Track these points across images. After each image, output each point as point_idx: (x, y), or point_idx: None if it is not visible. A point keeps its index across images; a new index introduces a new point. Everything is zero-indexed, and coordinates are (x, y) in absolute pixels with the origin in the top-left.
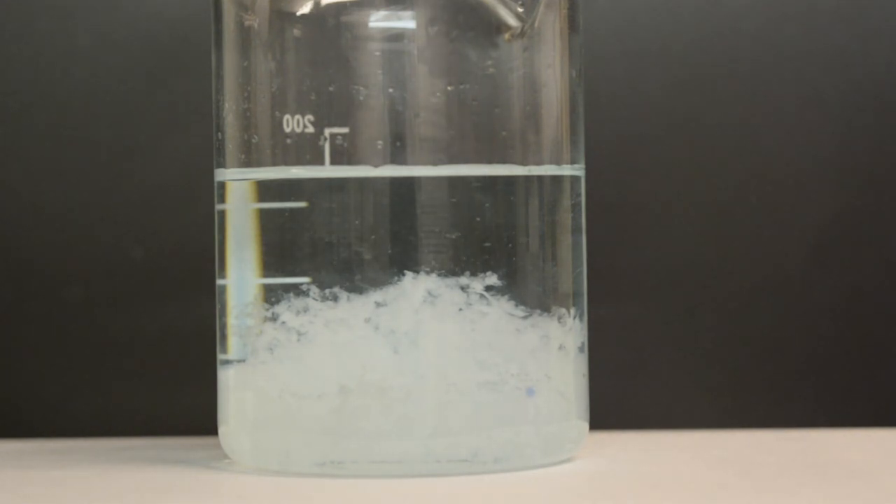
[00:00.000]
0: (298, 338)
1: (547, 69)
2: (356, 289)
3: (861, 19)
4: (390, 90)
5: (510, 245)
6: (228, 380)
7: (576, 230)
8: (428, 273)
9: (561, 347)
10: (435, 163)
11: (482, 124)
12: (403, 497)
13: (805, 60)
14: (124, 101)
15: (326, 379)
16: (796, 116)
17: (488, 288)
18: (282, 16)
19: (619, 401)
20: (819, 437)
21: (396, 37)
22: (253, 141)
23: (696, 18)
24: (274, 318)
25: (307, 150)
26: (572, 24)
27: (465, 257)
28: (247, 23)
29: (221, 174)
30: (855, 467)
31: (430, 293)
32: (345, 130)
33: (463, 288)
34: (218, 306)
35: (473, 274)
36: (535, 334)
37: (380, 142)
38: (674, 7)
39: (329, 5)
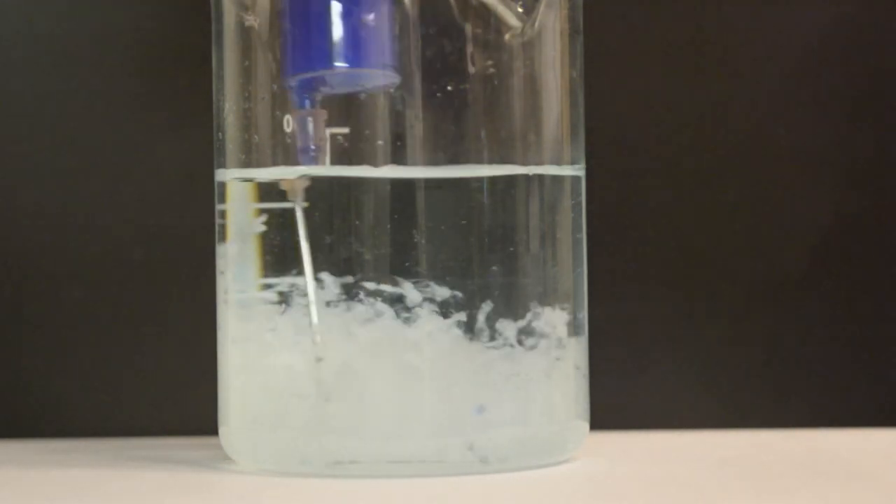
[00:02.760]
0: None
1: (547, 69)
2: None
3: (862, 19)
4: (391, 90)
5: (510, 245)
6: (228, 380)
7: (576, 230)
8: (427, 273)
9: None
10: (435, 163)
11: (482, 124)
12: (404, 497)
13: (805, 60)
14: (124, 101)
15: (327, 379)
16: (797, 116)
17: (488, 287)
18: (282, 16)
19: (619, 401)
20: (819, 437)
21: (397, 37)
22: (253, 141)
23: (696, 18)
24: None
25: None
26: (573, 24)
27: (465, 257)
28: (247, 23)
29: (221, 174)
30: (855, 467)
31: (429, 293)
32: (345, 130)
33: (463, 287)
34: (218, 306)
35: (473, 274)
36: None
37: (380, 142)
38: (674, 7)
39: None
